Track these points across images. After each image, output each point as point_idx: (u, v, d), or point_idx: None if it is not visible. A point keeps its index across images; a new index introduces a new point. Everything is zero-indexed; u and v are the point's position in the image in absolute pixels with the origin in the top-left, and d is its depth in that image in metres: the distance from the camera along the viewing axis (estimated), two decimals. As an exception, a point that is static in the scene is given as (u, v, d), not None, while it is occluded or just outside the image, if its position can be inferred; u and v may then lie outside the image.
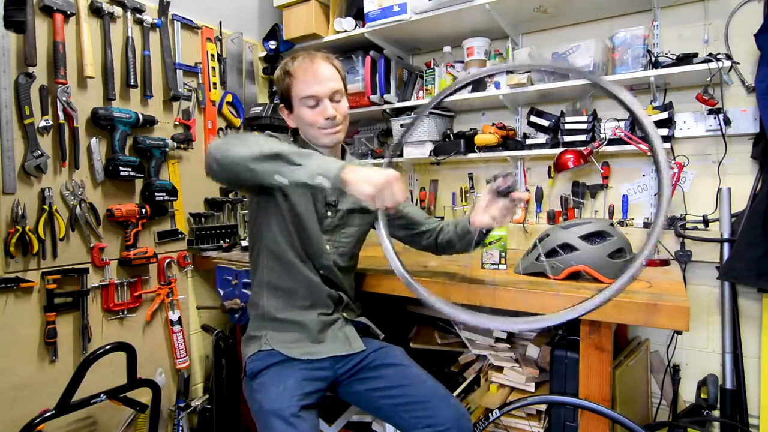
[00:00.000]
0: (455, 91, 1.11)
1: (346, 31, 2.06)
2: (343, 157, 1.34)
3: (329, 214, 1.28)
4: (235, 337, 1.97)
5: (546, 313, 0.90)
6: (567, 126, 1.76)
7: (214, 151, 1.03)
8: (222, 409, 1.91)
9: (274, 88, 1.26)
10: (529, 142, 1.90)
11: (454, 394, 1.53)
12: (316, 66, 1.18)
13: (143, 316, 1.81)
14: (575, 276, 1.26)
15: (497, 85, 1.86)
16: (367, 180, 0.92)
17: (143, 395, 1.58)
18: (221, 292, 1.78)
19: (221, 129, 2.12)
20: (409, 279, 1.00)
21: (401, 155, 2.14)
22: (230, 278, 1.70)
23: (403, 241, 1.42)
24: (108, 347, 1.44)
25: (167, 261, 1.88)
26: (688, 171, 1.69)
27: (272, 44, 2.24)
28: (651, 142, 0.86)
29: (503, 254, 1.44)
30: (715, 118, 1.61)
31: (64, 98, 1.52)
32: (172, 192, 1.83)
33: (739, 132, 1.61)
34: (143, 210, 1.73)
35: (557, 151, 1.73)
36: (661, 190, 0.85)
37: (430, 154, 2.03)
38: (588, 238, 1.24)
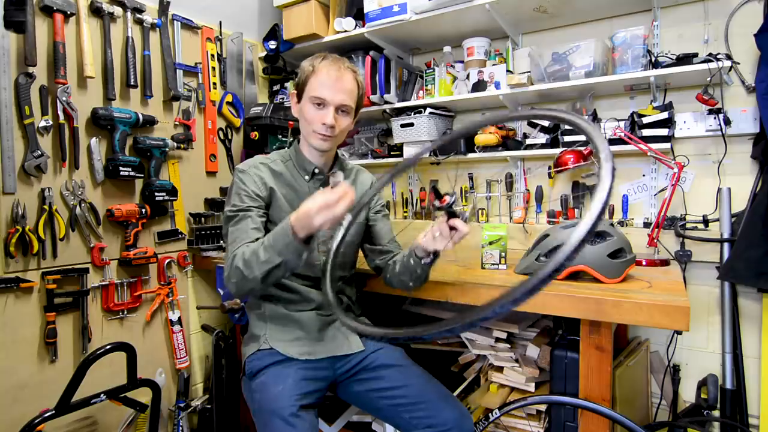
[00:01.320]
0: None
1: (346, 31, 2.06)
2: (335, 161, 1.35)
3: None
4: (235, 337, 1.97)
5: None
6: (567, 126, 1.76)
7: (230, 287, 1.10)
8: (222, 409, 1.91)
9: (296, 80, 1.26)
10: (529, 142, 1.90)
11: (454, 394, 1.53)
12: (339, 74, 1.19)
13: (143, 316, 1.81)
14: (575, 276, 1.26)
15: (497, 85, 1.86)
16: (307, 217, 0.95)
17: (143, 395, 1.58)
18: (221, 292, 1.78)
19: (221, 129, 2.12)
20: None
21: (401, 155, 2.14)
22: (230, 278, 1.69)
23: (364, 252, 1.39)
24: (108, 347, 1.43)
25: (167, 261, 1.88)
26: (688, 171, 1.69)
27: (272, 44, 2.24)
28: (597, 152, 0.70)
29: (503, 254, 1.44)
30: (715, 118, 1.61)
31: (64, 98, 1.52)
32: (172, 192, 1.83)
33: (739, 132, 1.61)
34: (143, 210, 1.73)
35: (557, 151, 1.73)
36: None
37: (430, 154, 2.03)
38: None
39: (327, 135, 1.21)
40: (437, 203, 1.02)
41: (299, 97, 1.24)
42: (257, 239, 1.15)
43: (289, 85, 2.33)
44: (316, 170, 1.28)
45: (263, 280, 1.04)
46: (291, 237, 0.99)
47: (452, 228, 1.04)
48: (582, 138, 1.73)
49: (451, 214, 1.02)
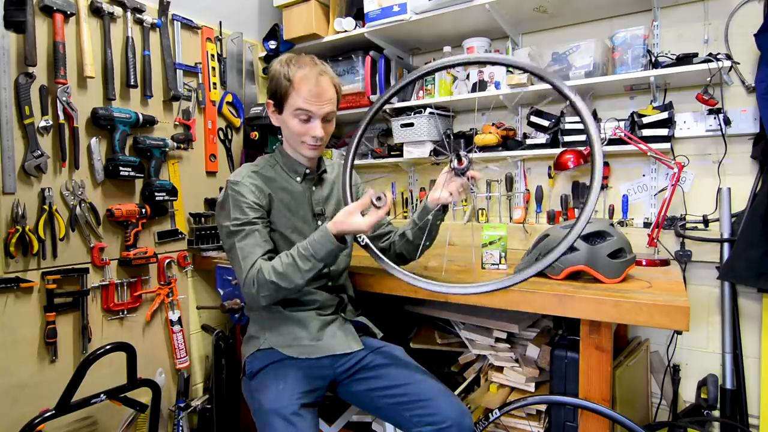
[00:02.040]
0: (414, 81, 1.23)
1: (346, 31, 2.07)
2: (319, 165, 1.35)
3: (320, 223, 1.31)
4: (235, 337, 1.97)
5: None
6: (567, 126, 1.76)
7: (260, 300, 1.14)
8: (222, 409, 1.91)
9: (271, 88, 1.26)
10: (529, 142, 1.90)
11: (455, 393, 1.53)
12: (321, 86, 1.19)
13: (143, 316, 1.81)
14: (575, 276, 1.26)
15: (497, 85, 1.86)
16: (358, 230, 1.09)
17: (143, 395, 1.58)
18: (221, 292, 1.78)
19: (221, 129, 2.12)
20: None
21: (401, 155, 2.14)
22: (230, 278, 1.70)
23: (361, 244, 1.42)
24: (108, 347, 1.43)
25: (167, 261, 1.88)
26: (688, 171, 1.69)
27: (272, 44, 2.24)
28: (590, 139, 0.95)
29: (503, 254, 1.44)
30: (715, 118, 1.61)
31: (64, 98, 1.52)
32: (172, 192, 1.83)
33: (739, 132, 1.61)
34: (143, 210, 1.73)
35: (557, 151, 1.73)
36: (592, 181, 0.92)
37: (430, 154, 2.03)
38: (588, 238, 1.24)
39: (317, 145, 1.24)
40: (456, 165, 1.17)
41: (279, 107, 1.23)
42: (269, 251, 1.18)
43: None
44: (308, 171, 1.30)
45: (306, 284, 1.14)
46: (334, 245, 1.10)
47: (470, 178, 1.20)
48: (582, 138, 1.73)
49: (465, 172, 1.20)
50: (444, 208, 1.27)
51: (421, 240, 1.29)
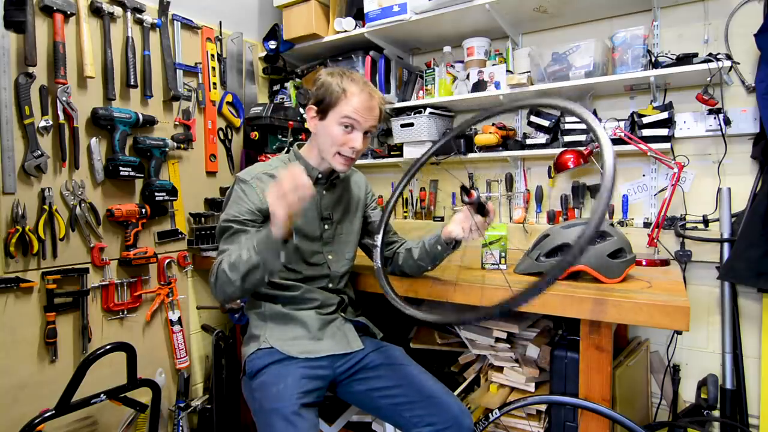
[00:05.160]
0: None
1: (346, 31, 2.07)
2: (332, 171, 1.33)
3: (326, 227, 1.31)
4: (235, 337, 1.97)
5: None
6: (567, 126, 1.76)
7: (215, 292, 1.12)
8: (222, 409, 1.91)
9: (318, 95, 1.24)
10: (529, 142, 1.90)
11: (455, 394, 1.53)
12: (373, 102, 1.21)
13: (143, 316, 1.81)
14: (575, 276, 1.26)
15: (497, 85, 1.86)
16: (276, 210, 0.97)
17: (143, 395, 1.58)
18: (221, 292, 1.77)
19: (221, 129, 2.12)
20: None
21: (401, 155, 2.14)
22: (230, 278, 1.69)
23: (366, 248, 1.44)
24: (108, 347, 1.43)
25: (167, 261, 1.87)
26: (688, 171, 1.69)
27: (272, 44, 2.24)
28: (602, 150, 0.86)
29: (503, 254, 1.44)
30: (715, 118, 1.61)
31: (64, 98, 1.52)
32: (172, 192, 1.83)
33: (739, 132, 1.61)
34: (143, 210, 1.73)
35: (557, 151, 1.73)
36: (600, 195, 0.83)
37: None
38: (588, 238, 1.24)
39: (351, 158, 1.23)
40: (467, 198, 1.14)
41: (323, 113, 1.22)
42: None
43: (289, 85, 2.32)
44: (320, 175, 1.30)
45: (243, 279, 1.04)
46: (268, 233, 1.01)
47: (483, 215, 1.16)
48: (582, 138, 1.73)
49: (480, 204, 1.15)
50: (456, 244, 1.26)
51: (425, 263, 1.31)
